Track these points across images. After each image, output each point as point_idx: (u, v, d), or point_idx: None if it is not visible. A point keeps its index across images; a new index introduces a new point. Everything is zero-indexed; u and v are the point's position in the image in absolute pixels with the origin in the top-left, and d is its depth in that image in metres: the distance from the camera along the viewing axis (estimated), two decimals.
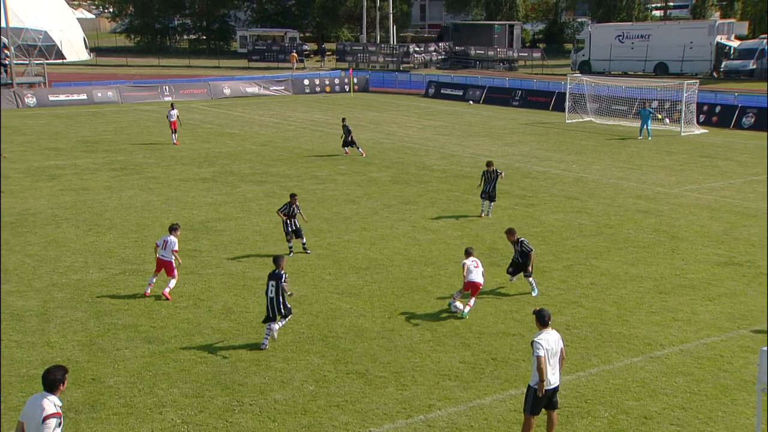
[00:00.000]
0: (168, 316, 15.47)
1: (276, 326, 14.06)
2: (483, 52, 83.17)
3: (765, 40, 70.59)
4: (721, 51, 70.75)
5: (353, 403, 12.07)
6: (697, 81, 44.11)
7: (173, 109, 36.75)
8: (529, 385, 10.62)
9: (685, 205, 24.99)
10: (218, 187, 27.43)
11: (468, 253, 16.10)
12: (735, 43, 71.93)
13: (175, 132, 36.41)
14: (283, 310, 13.97)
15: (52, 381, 8.61)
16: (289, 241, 19.63)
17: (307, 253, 19.60)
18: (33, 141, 36.95)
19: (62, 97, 52.55)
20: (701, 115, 43.40)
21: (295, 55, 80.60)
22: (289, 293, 14.13)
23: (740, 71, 67.92)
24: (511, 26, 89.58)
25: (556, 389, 10.67)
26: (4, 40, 59.28)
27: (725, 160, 33.25)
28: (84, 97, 53.34)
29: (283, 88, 61.34)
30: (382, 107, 52.86)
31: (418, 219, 23.08)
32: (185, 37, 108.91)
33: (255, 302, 16.23)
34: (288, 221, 19.55)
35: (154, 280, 16.69)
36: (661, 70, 70.78)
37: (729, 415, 11.77)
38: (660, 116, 41.66)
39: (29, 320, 15.21)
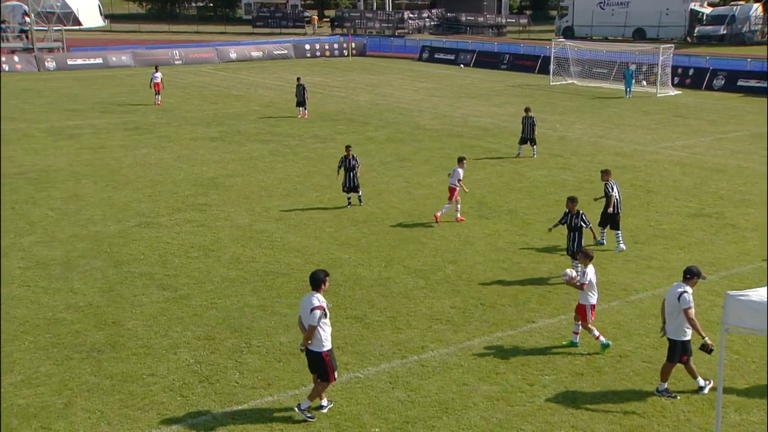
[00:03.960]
0: (180, 266, 15.46)
1: None
2: (473, 18, 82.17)
3: (735, 7, 69.74)
4: (695, 17, 69.91)
5: (352, 345, 12.12)
6: (672, 45, 43.63)
7: (157, 71, 36.48)
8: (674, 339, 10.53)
9: (659, 162, 24.90)
10: (225, 145, 27.23)
11: (588, 256, 11.93)
12: (707, 10, 71.05)
13: (158, 93, 36.09)
14: None
15: (317, 280, 9.71)
16: (347, 192, 19.44)
17: (360, 204, 19.52)
18: (53, 102, 36.58)
19: (80, 62, 51.90)
20: (675, 78, 43.04)
21: (316, 18, 79.35)
22: None
23: (712, 36, 67.20)
24: None
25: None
26: (25, 7, 58.31)
27: (697, 120, 33.05)
28: (100, 61, 52.69)
29: (285, 52, 60.59)
30: (379, 70, 52.30)
31: (412, 175, 22.97)
32: (193, 4, 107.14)
33: (261, 252, 16.23)
34: (347, 174, 19.20)
35: (457, 208, 18.32)
36: (639, 35, 69.97)
37: (696, 353, 11.82)
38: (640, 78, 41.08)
39: (54, 268, 15.20)
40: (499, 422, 10.00)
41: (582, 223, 14.56)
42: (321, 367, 9.80)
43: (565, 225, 14.83)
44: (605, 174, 16.82)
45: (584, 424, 9.96)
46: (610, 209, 16.40)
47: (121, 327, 12.67)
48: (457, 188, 18.06)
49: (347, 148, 19.60)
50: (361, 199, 19.67)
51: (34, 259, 15.69)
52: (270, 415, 10.11)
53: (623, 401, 10.52)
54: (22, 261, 15.60)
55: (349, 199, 19.53)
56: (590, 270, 11.76)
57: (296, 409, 9.94)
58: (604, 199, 16.64)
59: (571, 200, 14.75)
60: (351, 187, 19.41)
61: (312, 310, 9.56)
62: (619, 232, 16.59)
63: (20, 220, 18.36)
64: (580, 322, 11.91)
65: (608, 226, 16.66)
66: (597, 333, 11.84)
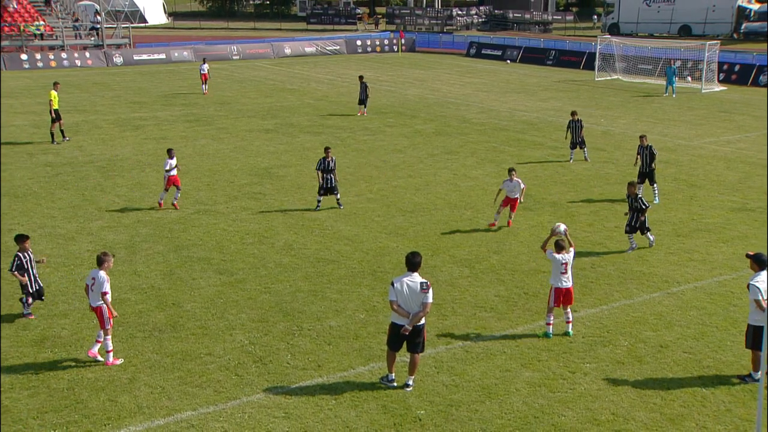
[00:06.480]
0: (236, 251, 15.67)
1: None
2: (520, 15, 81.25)
3: None
4: (742, 14, 67.83)
5: None
6: (718, 42, 42.39)
7: (204, 63, 37.34)
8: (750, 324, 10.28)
9: (703, 157, 24.27)
10: (279, 137, 27.46)
11: (558, 246, 11.87)
12: (756, 6, 68.84)
13: (206, 83, 37.10)
14: None
15: (417, 263, 9.98)
16: (321, 195, 18.12)
17: (340, 207, 18.34)
18: (120, 95, 37.37)
19: (144, 57, 52.86)
20: (721, 74, 41.90)
21: (367, 15, 79.44)
22: None
23: (759, 33, 65.10)
24: None
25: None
26: (96, 6, 59.63)
27: (742, 115, 32.09)
28: (163, 56, 53.57)
29: (338, 48, 60.73)
30: (428, 66, 52.06)
31: (458, 167, 22.84)
32: (251, 2, 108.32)
33: (312, 240, 16.34)
34: (325, 177, 17.90)
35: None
36: (685, 32, 68.18)
37: (737, 344, 11.56)
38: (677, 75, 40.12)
39: (119, 251, 15.55)
40: (541, 408, 9.91)
41: (641, 205, 15.35)
42: (421, 340, 10.13)
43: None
44: (643, 138, 19.04)
45: (624, 412, 9.81)
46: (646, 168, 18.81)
47: (180, 308, 12.91)
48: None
49: (326, 149, 18.05)
50: (339, 202, 18.33)
51: (102, 243, 16.08)
52: (320, 394, 10.20)
53: (664, 390, 10.32)
54: (91, 244, 16.01)
55: (319, 201, 18.17)
56: (559, 257, 11.67)
57: (408, 389, 10.24)
58: (640, 162, 18.96)
59: (631, 185, 15.56)
60: (327, 188, 18.02)
61: (429, 288, 9.87)
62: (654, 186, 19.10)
63: (89, 205, 18.84)
64: (563, 308, 11.91)
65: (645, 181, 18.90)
66: (551, 321, 11.80)
